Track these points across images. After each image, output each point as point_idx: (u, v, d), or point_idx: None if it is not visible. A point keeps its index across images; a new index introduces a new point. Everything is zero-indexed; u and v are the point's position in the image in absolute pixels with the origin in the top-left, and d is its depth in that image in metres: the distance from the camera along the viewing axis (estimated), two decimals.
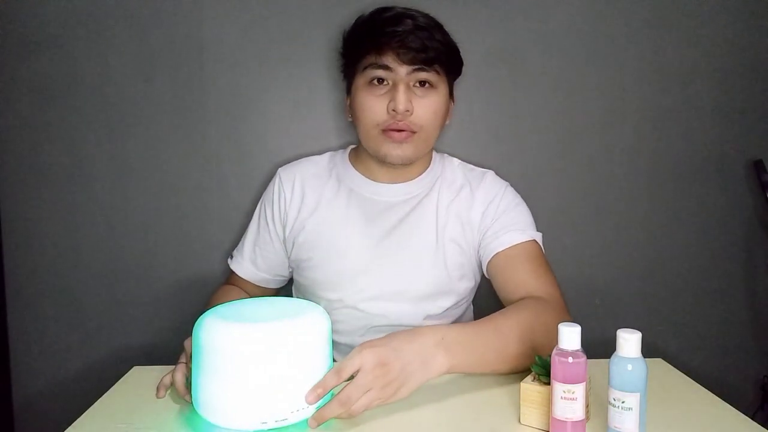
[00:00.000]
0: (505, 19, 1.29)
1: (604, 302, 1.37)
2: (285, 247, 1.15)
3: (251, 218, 1.20)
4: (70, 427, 0.76)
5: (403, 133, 1.03)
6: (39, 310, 1.31)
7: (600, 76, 1.33)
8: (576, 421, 0.68)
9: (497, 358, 0.86)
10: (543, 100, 1.33)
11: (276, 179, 1.17)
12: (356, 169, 1.14)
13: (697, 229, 1.38)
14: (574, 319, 0.75)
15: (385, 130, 1.03)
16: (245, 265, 1.18)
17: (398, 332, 0.80)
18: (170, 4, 1.26)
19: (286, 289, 1.25)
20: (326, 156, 1.20)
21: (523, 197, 1.14)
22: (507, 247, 1.04)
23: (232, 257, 1.21)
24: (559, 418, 0.69)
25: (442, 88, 1.06)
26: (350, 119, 1.12)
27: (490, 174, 1.15)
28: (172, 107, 1.28)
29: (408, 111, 1.01)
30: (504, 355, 0.87)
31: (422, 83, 1.03)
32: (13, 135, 1.27)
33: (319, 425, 0.73)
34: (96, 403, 0.84)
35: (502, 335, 0.87)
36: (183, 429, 0.76)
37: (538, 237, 1.08)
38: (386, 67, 1.01)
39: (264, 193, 1.20)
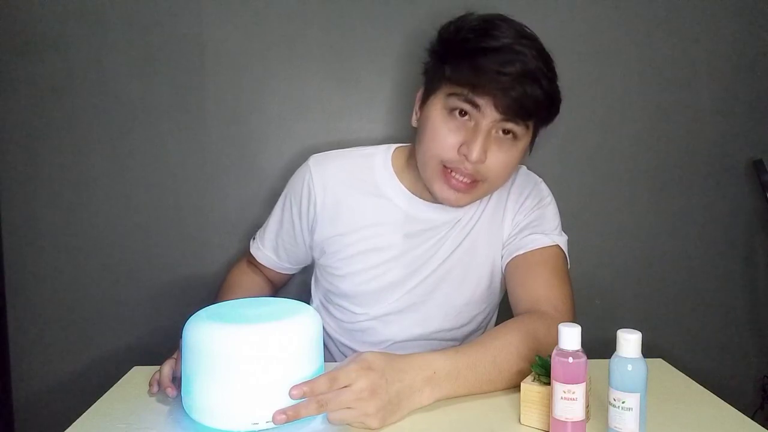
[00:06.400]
0: None
1: (604, 302, 1.37)
2: (311, 250, 1.11)
3: (274, 205, 1.14)
4: (70, 427, 0.76)
5: (464, 184, 0.94)
6: (39, 310, 1.31)
7: (600, 76, 1.33)
8: (576, 421, 0.68)
9: (489, 387, 0.83)
10: None
11: (306, 174, 1.06)
12: (400, 181, 1.05)
13: (697, 229, 1.38)
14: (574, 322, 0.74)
15: (447, 168, 0.94)
16: (266, 253, 1.14)
17: (395, 357, 0.76)
18: (170, 4, 1.26)
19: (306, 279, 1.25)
20: (365, 153, 1.09)
21: None
22: (528, 250, 1.00)
23: (254, 239, 1.17)
24: (559, 418, 0.69)
25: (525, 140, 0.95)
26: (415, 126, 1.00)
27: (523, 169, 1.11)
28: (172, 107, 1.28)
29: (480, 161, 0.91)
30: (497, 383, 0.84)
31: (506, 131, 0.92)
32: (13, 135, 1.27)
33: (288, 421, 0.70)
34: (96, 403, 0.83)
35: (497, 366, 0.82)
36: (183, 429, 0.76)
37: (563, 241, 1.03)
38: (476, 106, 0.89)
39: (291, 183, 1.10)
